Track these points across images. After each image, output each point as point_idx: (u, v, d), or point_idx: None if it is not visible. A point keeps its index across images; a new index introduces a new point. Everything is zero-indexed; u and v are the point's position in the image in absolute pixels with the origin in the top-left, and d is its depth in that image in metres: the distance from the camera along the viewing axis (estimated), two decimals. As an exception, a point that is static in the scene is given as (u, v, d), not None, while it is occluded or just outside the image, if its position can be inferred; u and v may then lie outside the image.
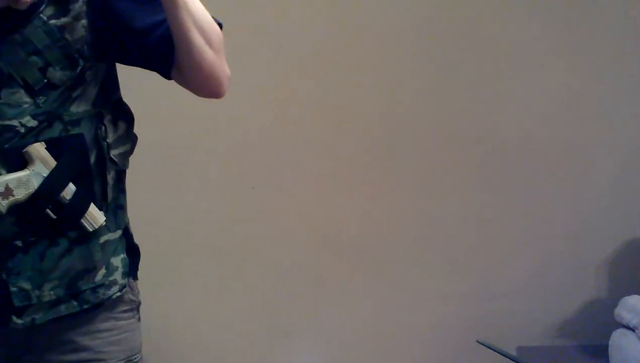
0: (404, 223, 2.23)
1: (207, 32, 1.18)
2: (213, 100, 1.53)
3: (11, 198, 1.12)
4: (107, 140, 1.21)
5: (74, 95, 1.16)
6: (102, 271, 1.22)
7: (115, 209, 1.26)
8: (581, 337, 2.30)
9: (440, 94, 2.20)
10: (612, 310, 2.07)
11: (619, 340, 2.03)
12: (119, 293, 1.25)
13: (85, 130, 1.17)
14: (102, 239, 1.22)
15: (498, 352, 1.45)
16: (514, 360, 1.48)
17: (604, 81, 2.25)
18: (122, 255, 1.26)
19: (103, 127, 1.20)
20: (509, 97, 2.23)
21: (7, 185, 1.12)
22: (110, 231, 1.23)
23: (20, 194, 1.13)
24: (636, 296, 2.05)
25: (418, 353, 2.27)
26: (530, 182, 2.26)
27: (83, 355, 1.24)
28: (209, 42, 1.18)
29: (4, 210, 1.12)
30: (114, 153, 1.22)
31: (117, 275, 1.24)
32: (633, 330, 1.99)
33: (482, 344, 1.52)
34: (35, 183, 1.14)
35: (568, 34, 2.22)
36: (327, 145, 2.17)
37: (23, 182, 1.13)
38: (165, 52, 1.18)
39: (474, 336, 1.84)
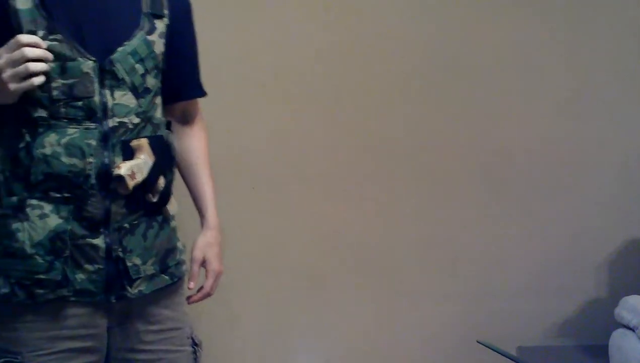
0: (405, 223, 2.23)
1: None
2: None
3: (135, 181, 1.30)
4: (174, 143, 1.43)
5: (157, 102, 1.40)
6: (178, 251, 1.46)
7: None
8: (581, 337, 2.30)
9: (440, 95, 2.20)
10: (612, 310, 2.08)
11: (619, 340, 2.03)
12: (185, 271, 1.49)
13: (164, 133, 1.40)
14: (172, 225, 1.45)
15: (498, 352, 1.45)
16: (514, 360, 1.48)
17: (604, 81, 2.25)
18: (180, 240, 1.49)
19: (171, 133, 1.44)
20: (508, 98, 2.23)
21: (132, 169, 1.29)
22: (174, 219, 1.46)
23: (139, 178, 1.31)
24: (636, 296, 2.05)
25: (418, 353, 2.27)
26: (529, 182, 2.26)
27: (167, 325, 1.44)
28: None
29: (131, 189, 1.29)
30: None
31: (183, 256, 1.48)
32: (633, 330, 1.99)
33: (482, 344, 1.52)
34: (145, 171, 1.32)
35: (568, 35, 2.22)
36: (328, 146, 2.17)
37: (141, 168, 1.31)
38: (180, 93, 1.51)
39: (474, 336, 1.84)
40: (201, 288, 1.55)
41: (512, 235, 2.27)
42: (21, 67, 1.18)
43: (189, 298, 1.55)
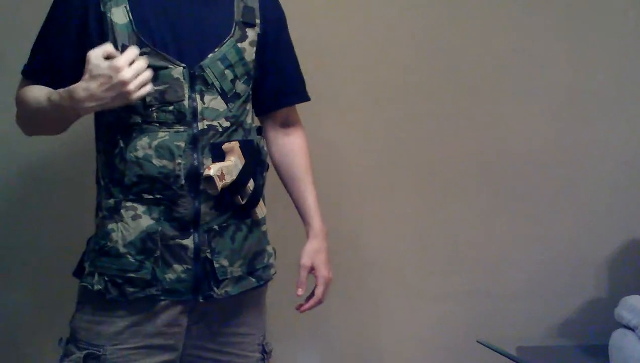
0: (405, 222, 2.23)
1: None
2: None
3: (224, 182, 1.33)
4: (265, 148, 1.48)
5: (247, 108, 1.45)
6: (266, 254, 1.50)
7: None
8: (581, 337, 2.30)
9: (440, 95, 2.20)
10: (612, 310, 2.08)
11: (619, 340, 2.03)
12: (274, 275, 1.53)
13: (255, 138, 1.44)
14: (263, 228, 1.50)
15: (498, 352, 1.45)
16: (514, 360, 1.48)
17: (604, 81, 2.25)
18: (270, 244, 1.53)
19: (262, 138, 1.48)
20: (508, 98, 2.23)
21: (222, 170, 1.32)
22: (265, 223, 1.51)
23: (228, 179, 1.34)
24: (636, 296, 2.05)
25: (418, 353, 2.27)
26: (530, 181, 2.26)
27: (242, 330, 1.48)
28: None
29: (219, 189, 1.32)
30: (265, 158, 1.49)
31: (272, 260, 1.52)
32: (633, 330, 1.99)
33: (482, 344, 1.53)
34: (234, 173, 1.35)
35: (568, 34, 2.22)
36: (327, 146, 2.17)
37: (230, 170, 1.35)
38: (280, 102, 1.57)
39: (474, 336, 1.84)
40: (311, 296, 1.57)
41: (512, 235, 2.27)
42: (143, 76, 1.24)
43: (300, 306, 1.59)
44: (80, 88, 1.24)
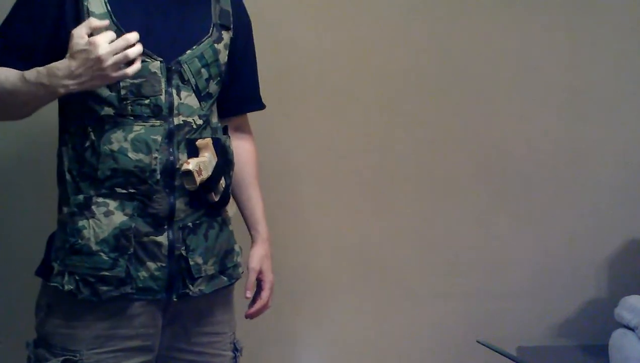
0: (405, 223, 2.23)
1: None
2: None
3: (201, 177, 1.32)
4: (231, 147, 1.46)
5: (213, 108, 1.45)
6: (235, 253, 1.50)
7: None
8: (581, 337, 2.30)
9: (440, 95, 2.20)
10: (612, 310, 2.08)
11: (619, 340, 2.03)
12: (242, 273, 1.52)
13: (221, 137, 1.43)
14: (230, 227, 1.50)
15: (498, 352, 1.45)
16: (514, 360, 1.48)
17: (604, 81, 2.25)
18: (237, 243, 1.52)
19: (229, 137, 1.46)
20: (508, 98, 2.23)
21: (199, 166, 1.31)
22: (231, 222, 1.50)
23: (204, 175, 1.33)
24: (636, 296, 2.05)
25: (418, 353, 2.27)
26: (530, 182, 2.26)
27: (215, 329, 1.48)
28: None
29: (198, 184, 1.31)
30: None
31: (240, 259, 1.51)
32: (633, 330, 1.99)
33: (482, 344, 1.53)
34: (209, 169, 1.34)
35: (568, 34, 2.22)
36: (327, 146, 2.17)
37: (206, 166, 1.33)
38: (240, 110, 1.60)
39: (474, 336, 1.84)
40: (255, 301, 1.56)
41: (512, 235, 2.27)
42: (121, 55, 1.20)
43: (248, 313, 1.57)
44: (61, 65, 1.21)
